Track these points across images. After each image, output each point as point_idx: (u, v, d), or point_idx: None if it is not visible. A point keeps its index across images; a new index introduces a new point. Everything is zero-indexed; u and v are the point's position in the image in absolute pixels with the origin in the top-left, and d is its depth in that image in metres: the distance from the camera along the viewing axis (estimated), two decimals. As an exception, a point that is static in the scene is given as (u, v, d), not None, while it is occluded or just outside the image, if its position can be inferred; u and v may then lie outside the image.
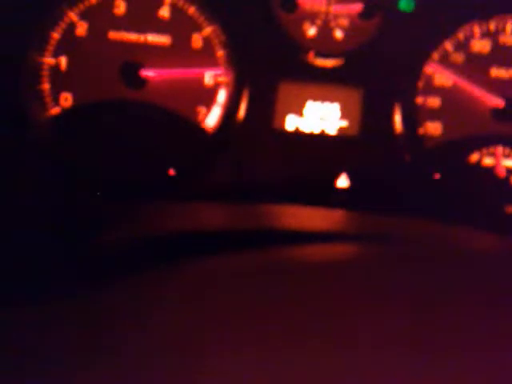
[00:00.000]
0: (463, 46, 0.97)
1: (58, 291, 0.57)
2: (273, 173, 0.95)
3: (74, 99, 0.93)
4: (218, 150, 0.94)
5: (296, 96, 0.95)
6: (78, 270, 0.62)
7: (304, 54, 0.94)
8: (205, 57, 0.94)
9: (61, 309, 0.53)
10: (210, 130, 0.95)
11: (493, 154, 0.97)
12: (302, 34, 0.94)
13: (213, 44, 0.94)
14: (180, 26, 0.93)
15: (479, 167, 0.97)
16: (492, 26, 0.97)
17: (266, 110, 0.95)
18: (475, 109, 0.98)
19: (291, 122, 0.95)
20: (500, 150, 0.97)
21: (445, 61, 0.97)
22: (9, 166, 0.83)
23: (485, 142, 0.97)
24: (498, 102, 0.97)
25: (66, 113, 0.92)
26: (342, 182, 0.96)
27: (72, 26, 0.91)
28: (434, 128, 0.98)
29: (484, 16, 0.97)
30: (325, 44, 0.95)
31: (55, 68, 0.92)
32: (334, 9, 0.95)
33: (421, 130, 0.97)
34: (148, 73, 0.92)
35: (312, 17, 0.94)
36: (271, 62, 0.94)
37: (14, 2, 0.86)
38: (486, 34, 0.97)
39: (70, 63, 0.92)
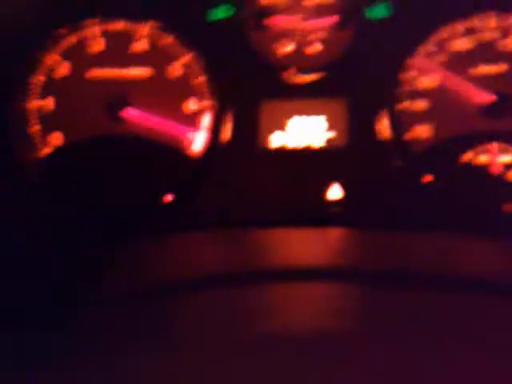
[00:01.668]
0: (445, 46, 0.96)
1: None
2: (263, 192, 0.95)
3: (64, 138, 0.96)
4: (205, 174, 0.95)
5: (279, 114, 0.96)
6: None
7: (282, 72, 0.95)
8: (184, 85, 0.96)
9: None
10: (196, 156, 0.96)
11: (487, 151, 0.95)
12: (278, 52, 0.95)
13: (191, 72, 0.96)
14: (158, 57, 0.95)
15: (473, 166, 0.95)
16: (472, 23, 0.96)
17: (250, 131, 0.95)
18: (464, 107, 0.96)
19: (276, 140, 0.96)
20: (494, 146, 0.95)
21: (427, 62, 0.96)
22: (6, 209, 0.86)
23: (477, 139, 0.95)
24: (488, 97, 0.96)
25: (57, 152, 0.95)
26: (334, 193, 0.95)
27: (53, 68, 0.95)
28: (422, 131, 0.96)
29: (462, 15, 0.96)
30: (302, 60, 0.95)
31: (43, 110, 0.95)
32: (308, 24, 0.96)
33: (408, 135, 0.96)
34: (129, 114, 0.95)
35: (286, 34, 0.96)
36: (251, 83, 0.95)
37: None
38: (467, 32, 0.96)
39: (56, 104, 0.95)
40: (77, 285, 0.69)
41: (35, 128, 0.96)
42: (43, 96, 0.95)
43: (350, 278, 0.67)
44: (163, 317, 0.59)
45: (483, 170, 0.94)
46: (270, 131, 0.96)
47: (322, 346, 0.51)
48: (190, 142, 0.96)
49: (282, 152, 0.96)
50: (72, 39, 0.95)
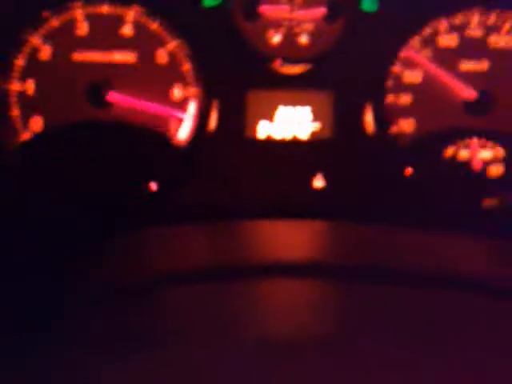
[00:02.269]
0: (430, 42, 0.97)
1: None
2: (248, 182, 0.95)
3: (44, 123, 0.93)
4: (190, 163, 0.94)
5: (266, 104, 0.95)
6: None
7: (270, 62, 0.94)
8: (171, 71, 0.94)
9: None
10: (181, 143, 0.95)
11: (468, 147, 0.97)
12: (267, 42, 0.94)
13: (178, 58, 0.94)
14: (144, 43, 0.93)
15: (455, 161, 0.96)
16: (458, 20, 0.97)
17: (236, 120, 0.95)
18: (448, 103, 0.97)
19: (263, 130, 0.95)
20: (475, 142, 0.97)
21: (415, 57, 0.97)
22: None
23: (459, 135, 0.97)
24: (470, 94, 0.97)
25: (36, 137, 0.92)
26: (318, 182, 0.96)
27: (36, 51, 0.92)
28: (406, 125, 0.98)
29: (449, 11, 0.96)
30: (290, 50, 0.94)
31: (23, 93, 0.92)
32: (298, 14, 0.95)
33: (393, 128, 0.97)
34: (114, 97, 0.93)
35: (276, 24, 0.94)
36: (238, 72, 0.94)
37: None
38: (453, 29, 0.97)
39: (37, 87, 0.92)
40: (61, 281, 0.67)
41: (15, 111, 0.92)
42: (25, 79, 0.92)
43: (332, 273, 0.68)
44: (146, 312, 0.59)
45: (464, 165, 0.96)
46: (257, 121, 0.95)
47: (305, 346, 0.52)
48: (176, 130, 0.95)
49: (269, 142, 0.96)
50: (56, 21, 0.92)
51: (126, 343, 0.53)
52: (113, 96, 0.93)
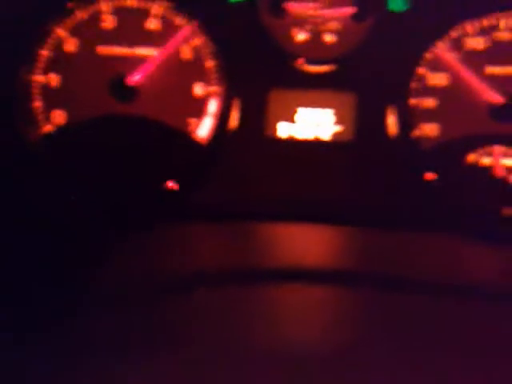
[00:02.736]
0: (457, 44, 0.95)
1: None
2: (267, 181, 0.95)
3: (67, 116, 0.93)
4: (210, 161, 0.94)
5: (288, 103, 0.94)
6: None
7: (294, 61, 0.93)
8: (194, 68, 0.93)
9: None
10: (202, 141, 0.95)
11: (491, 154, 0.96)
12: (292, 40, 0.93)
13: (202, 55, 0.93)
14: (168, 38, 0.92)
15: (477, 167, 0.95)
16: (486, 23, 0.95)
17: (257, 119, 0.94)
18: (473, 108, 0.96)
19: (284, 130, 0.95)
20: (498, 149, 0.96)
21: (443, 59, 0.95)
22: (5, 184, 0.84)
23: (483, 141, 0.96)
24: (497, 98, 0.95)
25: (59, 130, 0.92)
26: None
27: (61, 43, 0.91)
28: (430, 129, 0.96)
29: (478, 13, 0.94)
30: (315, 49, 0.93)
31: (46, 85, 0.92)
32: (324, 13, 0.93)
33: (416, 132, 0.96)
34: (134, 78, 0.92)
35: (301, 22, 0.93)
36: (261, 70, 0.93)
37: (1, 21, 0.86)
38: (481, 32, 0.95)
39: (60, 80, 0.92)
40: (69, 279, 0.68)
41: (38, 103, 0.93)
42: (49, 71, 0.92)
43: (351, 280, 0.67)
44: (157, 314, 0.59)
45: (486, 172, 0.95)
46: (278, 120, 0.94)
47: (321, 355, 0.52)
48: (197, 128, 0.95)
49: (289, 142, 0.95)
50: (83, 14, 0.91)
51: (138, 344, 0.53)
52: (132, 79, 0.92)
